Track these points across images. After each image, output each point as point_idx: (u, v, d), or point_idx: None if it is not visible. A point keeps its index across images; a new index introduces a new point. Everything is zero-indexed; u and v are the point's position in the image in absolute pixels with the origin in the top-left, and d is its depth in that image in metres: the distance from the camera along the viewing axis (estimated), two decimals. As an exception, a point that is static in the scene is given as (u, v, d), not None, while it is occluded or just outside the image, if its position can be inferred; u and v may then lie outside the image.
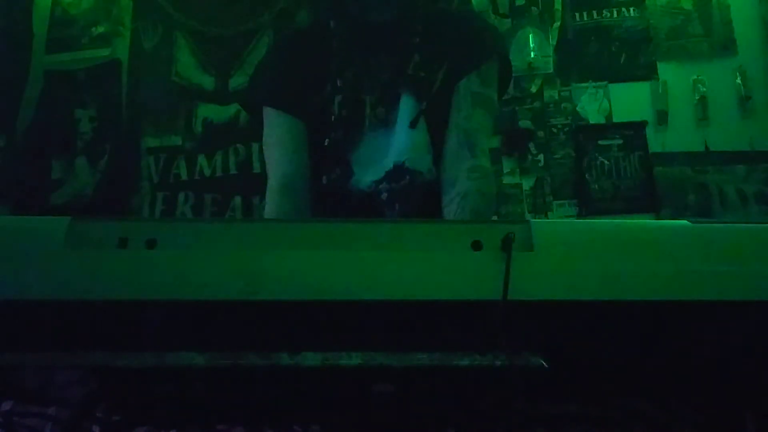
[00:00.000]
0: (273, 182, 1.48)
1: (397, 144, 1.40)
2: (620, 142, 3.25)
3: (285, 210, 1.44)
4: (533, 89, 3.35)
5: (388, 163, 1.40)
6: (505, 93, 1.53)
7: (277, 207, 1.45)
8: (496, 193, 1.50)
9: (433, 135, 1.41)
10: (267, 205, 1.48)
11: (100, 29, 3.58)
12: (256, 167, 3.30)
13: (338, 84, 1.45)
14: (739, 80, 3.23)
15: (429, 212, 1.38)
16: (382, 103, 1.42)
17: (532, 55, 3.36)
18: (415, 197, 1.39)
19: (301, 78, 1.48)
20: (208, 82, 3.47)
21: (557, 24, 3.40)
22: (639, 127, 3.25)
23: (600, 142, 3.26)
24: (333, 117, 1.44)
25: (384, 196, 1.39)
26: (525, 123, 3.30)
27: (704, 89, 3.24)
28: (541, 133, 3.31)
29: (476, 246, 0.72)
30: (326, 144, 1.44)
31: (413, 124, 1.39)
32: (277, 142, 1.49)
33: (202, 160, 3.39)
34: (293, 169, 1.46)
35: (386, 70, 1.44)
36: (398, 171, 1.39)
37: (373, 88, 1.44)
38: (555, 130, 3.31)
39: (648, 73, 3.31)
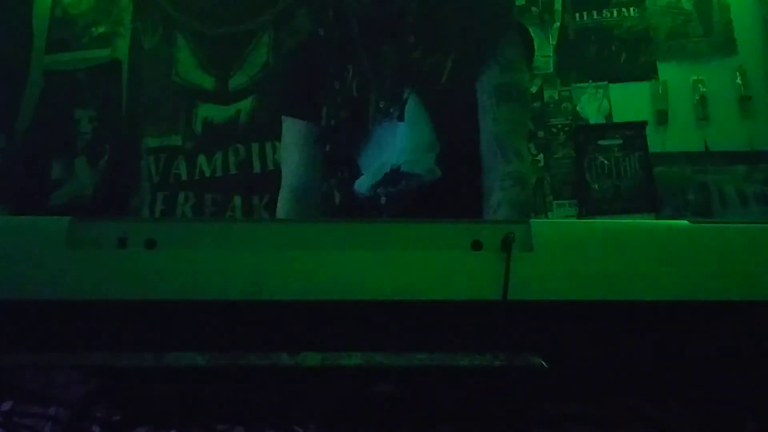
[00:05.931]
0: (284, 188, 1.51)
1: (398, 144, 1.35)
2: (620, 142, 3.24)
3: (293, 216, 1.46)
4: (533, 89, 3.34)
5: (386, 166, 1.36)
6: (532, 63, 1.40)
7: (286, 214, 1.48)
8: (531, 198, 1.45)
9: (440, 131, 1.34)
10: (278, 210, 1.51)
11: (100, 29, 3.57)
12: (256, 167, 3.30)
13: (342, 84, 1.41)
14: (739, 80, 3.22)
15: (429, 215, 1.32)
16: (384, 99, 1.37)
17: (532, 55, 3.35)
18: (413, 201, 1.34)
19: (311, 82, 1.48)
20: (208, 82, 3.47)
21: (557, 24, 3.40)
22: (639, 127, 3.24)
23: (600, 142, 3.26)
24: (333, 120, 1.42)
25: (383, 200, 1.37)
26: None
27: (704, 89, 3.23)
28: (541, 133, 3.30)
29: (476, 246, 0.72)
30: (328, 147, 1.43)
31: (401, 117, 1.33)
32: (289, 148, 1.51)
33: (202, 160, 3.38)
34: (302, 175, 1.48)
35: (390, 64, 1.37)
36: (394, 175, 1.35)
37: (379, 84, 1.38)
38: (555, 130, 3.31)
39: (648, 73, 3.30)
